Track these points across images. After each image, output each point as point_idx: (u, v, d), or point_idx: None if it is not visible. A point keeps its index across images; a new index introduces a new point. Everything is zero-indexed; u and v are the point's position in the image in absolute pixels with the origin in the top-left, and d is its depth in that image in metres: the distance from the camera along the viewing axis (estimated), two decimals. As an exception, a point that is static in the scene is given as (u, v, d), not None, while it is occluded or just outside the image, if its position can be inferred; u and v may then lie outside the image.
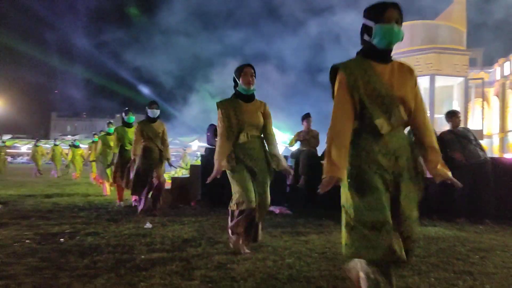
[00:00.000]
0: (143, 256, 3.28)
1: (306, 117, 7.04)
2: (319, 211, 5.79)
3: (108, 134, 8.37)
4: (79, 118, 77.41)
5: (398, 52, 15.28)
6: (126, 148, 6.60)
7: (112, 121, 9.07)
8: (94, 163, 12.36)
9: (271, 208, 6.10)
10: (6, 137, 55.25)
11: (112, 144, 8.22)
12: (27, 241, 3.85)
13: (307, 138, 6.84)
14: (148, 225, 4.71)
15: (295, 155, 6.68)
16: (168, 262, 3.13)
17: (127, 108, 6.85)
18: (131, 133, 6.50)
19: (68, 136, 57.47)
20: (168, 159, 5.92)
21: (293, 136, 7.23)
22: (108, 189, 8.71)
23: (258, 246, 3.68)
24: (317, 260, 3.25)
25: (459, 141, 5.72)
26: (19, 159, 42.68)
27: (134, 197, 6.69)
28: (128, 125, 6.72)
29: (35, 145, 17.79)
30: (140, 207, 5.85)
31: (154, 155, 5.78)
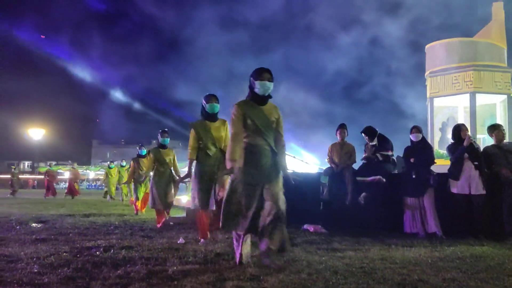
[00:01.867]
0: (175, 268, 3.24)
1: (340, 127, 6.52)
2: (355, 230, 5.58)
3: (141, 156, 8.96)
4: (117, 145, 79.84)
5: (435, 70, 14.97)
6: (209, 151, 4.68)
7: (143, 144, 9.48)
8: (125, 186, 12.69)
9: (305, 227, 5.95)
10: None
11: (144, 167, 8.62)
12: (63, 254, 3.89)
13: (340, 154, 6.46)
14: (181, 240, 4.69)
15: (329, 172, 6.49)
16: (200, 273, 3.06)
17: (208, 94, 4.82)
18: (215, 129, 4.71)
19: (108, 162, 59.15)
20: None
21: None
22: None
23: (292, 260, 3.56)
24: (354, 274, 3.09)
25: (505, 156, 5.41)
26: (62, 185, 44.27)
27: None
28: (211, 117, 4.75)
29: (109, 167, 15.76)
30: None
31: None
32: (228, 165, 3.41)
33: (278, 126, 3.56)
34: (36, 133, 40.14)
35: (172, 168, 6.75)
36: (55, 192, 18.27)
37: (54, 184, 19.11)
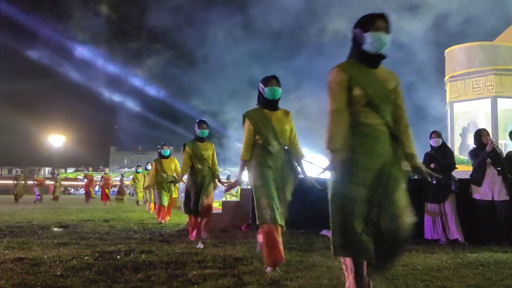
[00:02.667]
0: (195, 272, 3.25)
1: None
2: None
3: (164, 157, 8.10)
4: (135, 151, 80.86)
5: (455, 75, 14.75)
6: (270, 148, 3.48)
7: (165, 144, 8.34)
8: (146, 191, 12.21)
9: (324, 232, 5.91)
10: (69, 170, 58.68)
11: (168, 169, 7.91)
12: (85, 257, 3.95)
13: None
14: (200, 245, 4.71)
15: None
16: (219, 277, 3.07)
17: (268, 75, 3.66)
18: (278, 120, 3.59)
19: (126, 168, 59.99)
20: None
21: None
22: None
23: (311, 265, 3.54)
24: (376, 280, 3.04)
25: (529, 161, 5.29)
26: (80, 191, 45.02)
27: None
28: (271, 105, 3.63)
29: (136, 172, 14.48)
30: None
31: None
32: (330, 157, 2.33)
33: (397, 98, 2.45)
34: (56, 139, 40.95)
35: (211, 165, 5.42)
36: (92, 196, 17.92)
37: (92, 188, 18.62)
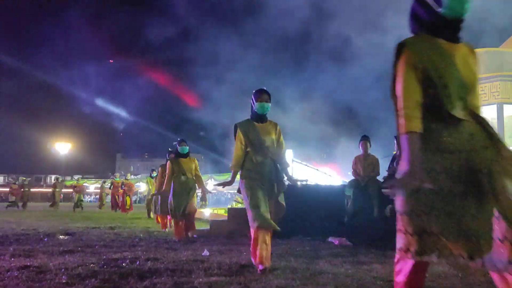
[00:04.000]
0: (201, 280, 3.24)
1: (362, 139, 6.58)
2: (381, 242, 5.47)
3: (181, 155, 6.57)
4: (141, 158, 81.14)
5: (460, 81, 14.66)
6: (455, 113, 1.89)
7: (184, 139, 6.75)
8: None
9: (330, 239, 5.88)
10: (76, 177, 58.98)
11: (188, 171, 6.41)
12: (91, 265, 3.95)
13: (364, 166, 6.46)
14: (206, 252, 4.70)
15: (353, 185, 6.43)
16: (225, 285, 3.06)
17: None
18: (465, 64, 2.00)
19: (132, 175, 60.11)
20: None
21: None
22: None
23: (318, 272, 3.52)
24: (382, 288, 3.03)
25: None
26: (86, 198, 45.00)
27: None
28: (451, 30, 1.96)
29: (151, 176, 12.59)
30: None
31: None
32: None
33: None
34: (62, 147, 41.19)
35: (275, 157, 3.81)
36: (118, 206, 16.89)
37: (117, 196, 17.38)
